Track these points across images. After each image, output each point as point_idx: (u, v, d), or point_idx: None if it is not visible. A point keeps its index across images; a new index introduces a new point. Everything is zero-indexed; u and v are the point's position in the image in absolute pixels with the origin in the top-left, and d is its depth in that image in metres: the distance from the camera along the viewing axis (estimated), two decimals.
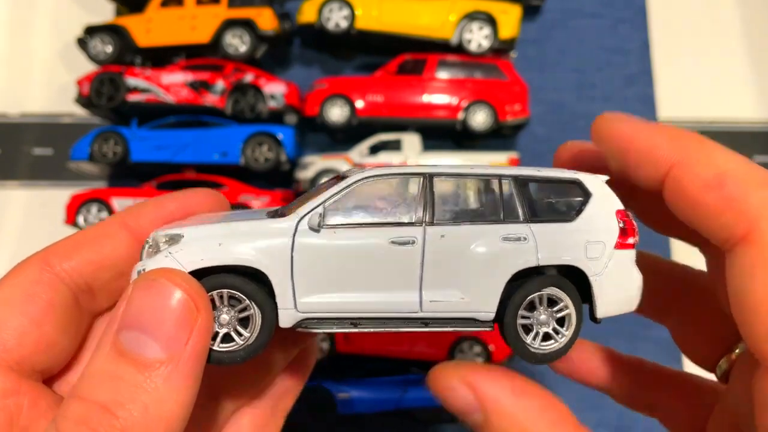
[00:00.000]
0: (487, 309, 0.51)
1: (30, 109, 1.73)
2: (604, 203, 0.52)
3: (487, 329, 0.52)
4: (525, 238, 0.50)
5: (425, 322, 0.51)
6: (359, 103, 1.58)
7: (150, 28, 1.62)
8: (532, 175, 0.53)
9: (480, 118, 1.57)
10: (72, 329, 0.53)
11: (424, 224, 0.51)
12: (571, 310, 0.52)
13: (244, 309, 0.50)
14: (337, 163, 1.54)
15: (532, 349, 0.52)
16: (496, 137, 1.61)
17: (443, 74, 1.60)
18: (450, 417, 1.38)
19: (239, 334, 0.50)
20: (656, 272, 0.59)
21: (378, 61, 1.65)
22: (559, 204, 0.53)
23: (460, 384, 0.47)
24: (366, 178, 0.53)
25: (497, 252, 0.50)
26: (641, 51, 1.70)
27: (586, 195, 0.52)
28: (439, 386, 0.49)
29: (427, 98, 1.58)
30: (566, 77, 1.69)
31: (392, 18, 1.60)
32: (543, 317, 0.52)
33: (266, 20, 1.60)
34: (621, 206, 0.53)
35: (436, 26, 1.60)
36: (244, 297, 0.50)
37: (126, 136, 1.57)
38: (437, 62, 1.60)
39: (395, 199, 0.53)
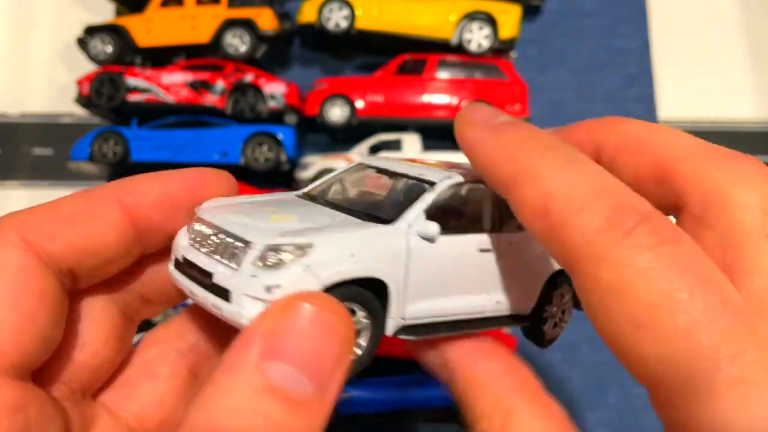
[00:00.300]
0: (531, 306, 0.56)
1: (30, 109, 1.73)
2: None
3: (528, 323, 0.56)
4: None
5: (492, 321, 0.53)
6: (359, 103, 1.58)
7: (150, 28, 1.62)
8: None
9: None
10: (61, 317, 0.46)
11: (496, 232, 0.53)
12: (569, 301, 0.59)
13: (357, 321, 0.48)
14: (337, 163, 1.55)
15: (547, 336, 0.58)
16: None
17: (443, 74, 1.60)
18: (450, 417, 1.38)
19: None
20: None
21: (378, 61, 1.65)
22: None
23: (430, 346, 0.49)
24: (456, 184, 0.52)
25: (537, 257, 0.55)
26: (641, 51, 1.70)
27: None
28: (416, 350, 0.51)
29: (428, 98, 1.58)
30: (566, 77, 1.69)
31: (392, 18, 1.60)
32: (555, 309, 0.58)
33: (266, 20, 1.60)
34: None
35: (436, 26, 1.60)
36: (363, 309, 0.47)
37: (126, 136, 1.57)
38: (437, 62, 1.60)
39: (474, 206, 0.53)
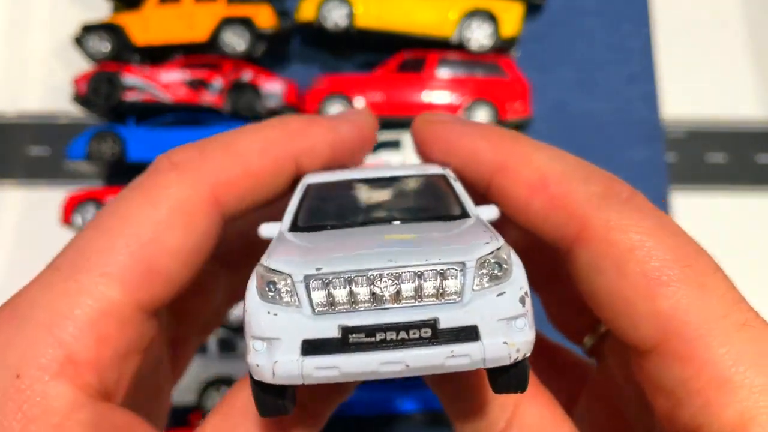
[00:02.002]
0: None
1: (26, 107, 1.72)
2: None
3: None
4: None
5: None
6: (358, 102, 1.56)
7: (147, 27, 1.61)
8: None
9: (481, 117, 1.55)
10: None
11: None
12: None
13: None
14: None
15: None
16: None
17: (444, 72, 1.58)
18: (447, 421, 1.36)
19: None
20: (528, 241, 0.57)
21: (377, 59, 1.64)
22: None
23: None
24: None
25: None
26: (644, 49, 1.69)
27: None
28: None
29: (428, 97, 1.56)
30: (568, 75, 1.68)
31: (392, 16, 1.59)
32: None
33: (265, 18, 1.58)
34: None
35: (437, 24, 1.58)
36: None
37: (123, 135, 1.56)
38: (437, 60, 1.58)
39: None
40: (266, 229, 0.47)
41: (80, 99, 1.57)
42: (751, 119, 1.72)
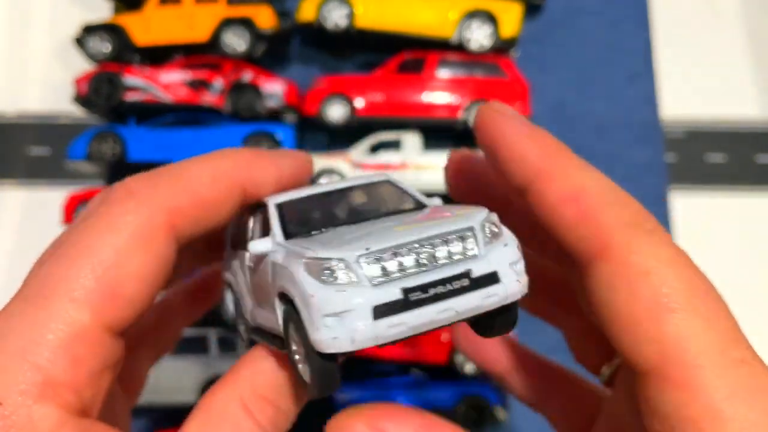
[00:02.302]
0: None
1: (27, 108, 1.72)
2: None
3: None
4: None
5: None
6: (359, 102, 1.56)
7: (148, 27, 1.61)
8: None
9: None
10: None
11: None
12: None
13: None
14: (337, 162, 1.53)
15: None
16: None
17: (443, 73, 1.58)
18: (448, 419, 1.37)
19: None
20: (549, 276, 0.62)
21: (377, 59, 1.64)
22: None
23: (366, 429, 0.45)
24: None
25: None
26: (643, 49, 1.69)
27: None
28: None
29: (428, 97, 1.57)
30: (568, 76, 1.68)
31: (392, 17, 1.59)
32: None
33: (265, 18, 1.59)
34: None
35: (436, 25, 1.59)
36: None
37: (124, 136, 1.56)
38: (437, 61, 1.59)
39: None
40: (259, 245, 0.51)
41: (81, 99, 1.57)
42: (750, 119, 1.72)
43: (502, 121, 0.51)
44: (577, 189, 0.46)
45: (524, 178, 0.49)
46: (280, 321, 0.48)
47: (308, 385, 0.46)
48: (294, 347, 0.46)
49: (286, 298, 0.46)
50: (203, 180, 0.52)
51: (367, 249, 0.43)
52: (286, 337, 0.47)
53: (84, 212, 0.51)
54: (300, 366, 0.47)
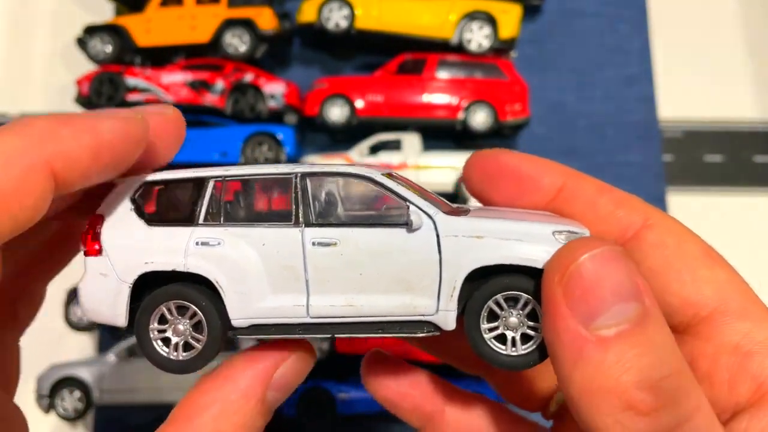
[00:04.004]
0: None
1: (30, 108, 1.73)
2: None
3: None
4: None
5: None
6: (359, 103, 1.57)
7: (149, 28, 1.62)
8: None
9: (480, 118, 1.56)
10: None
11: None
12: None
13: None
14: (337, 162, 1.54)
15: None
16: (496, 137, 1.61)
17: (443, 74, 1.59)
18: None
19: None
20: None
21: (378, 60, 1.65)
22: None
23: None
24: None
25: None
26: (642, 51, 1.70)
27: None
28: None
29: (427, 98, 1.58)
30: (566, 77, 1.69)
31: (392, 18, 1.60)
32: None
33: (266, 20, 1.59)
34: None
35: (436, 26, 1.60)
36: None
37: None
38: (437, 62, 1.60)
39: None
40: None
41: (83, 100, 1.58)
42: (748, 120, 1.73)
43: (508, 158, 0.56)
44: (603, 184, 0.54)
45: (552, 186, 0.55)
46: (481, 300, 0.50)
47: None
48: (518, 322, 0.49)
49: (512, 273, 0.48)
50: None
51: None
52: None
53: None
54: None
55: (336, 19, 1.59)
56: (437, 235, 0.49)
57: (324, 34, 1.60)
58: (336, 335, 0.50)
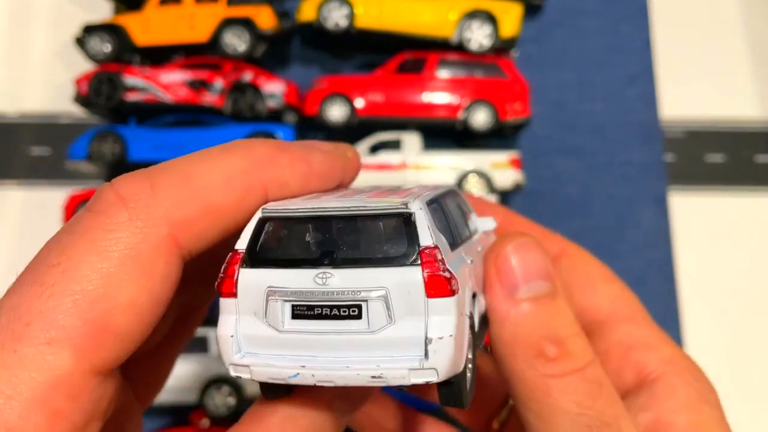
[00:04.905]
0: None
1: (28, 108, 1.73)
2: None
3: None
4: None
5: None
6: (359, 102, 1.57)
7: (148, 27, 1.61)
8: None
9: (481, 118, 1.56)
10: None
11: None
12: None
13: None
14: None
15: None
16: (497, 136, 1.60)
17: (443, 73, 1.59)
18: (449, 418, 1.37)
19: None
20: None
21: (378, 59, 1.64)
22: None
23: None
24: None
25: None
26: (643, 50, 1.69)
27: None
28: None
29: (428, 97, 1.57)
30: (567, 76, 1.68)
31: (392, 17, 1.59)
32: None
33: (265, 19, 1.59)
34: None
35: (437, 25, 1.59)
36: None
37: (124, 136, 1.56)
38: (437, 61, 1.59)
39: None
40: None
41: (81, 99, 1.57)
42: (750, 119, 1.73)
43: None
44: (564, 246, 0.67)
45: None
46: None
47: None
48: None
49: None
50: (214, 183, 0.43)
51: None
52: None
53: (68, 223, 0.41)
54: None
55: (336, 18, 1.58)
56: None
57: (324, 33, 1.59)
58: None
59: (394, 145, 1.56)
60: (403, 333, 0.40)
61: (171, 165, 0.43)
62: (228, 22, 1.59)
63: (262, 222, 0.43)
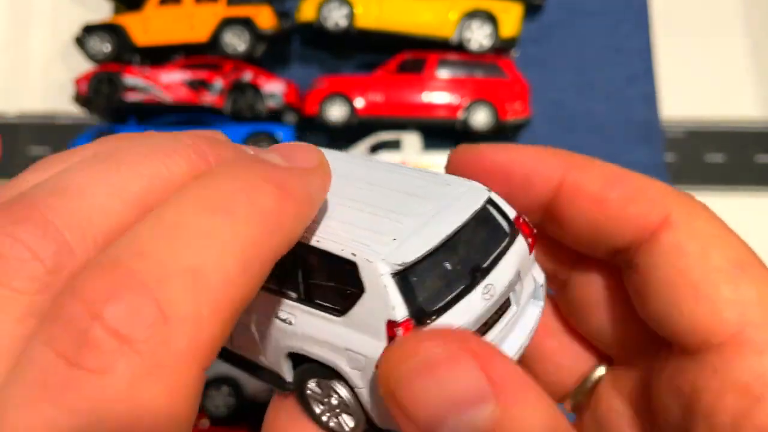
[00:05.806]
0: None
1: (27, 108, 1.73)
2: (375, 304, 0.36)
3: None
4: (290, 323, 0.40)
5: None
6: (359, 102, 1.57)
7: (148, 27, 1.61)
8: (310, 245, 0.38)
9: (481, 118, 1.56)
10: None
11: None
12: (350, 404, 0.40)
13: None
14: None
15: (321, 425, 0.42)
16: (497, 136, 1.60)
17: (443, 73, 1.59)
18: None
19: None
20: None
21: (378, 59, 1.64)
22: (335, 289, 0.39)
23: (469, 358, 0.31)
24: None
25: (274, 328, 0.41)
26: (643, 50, 1.69)
27: (359, 288, 0.36)
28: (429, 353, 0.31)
29: (428, 97, 1.57)
30: (567, 76, 1.68)
31: (392, 17, 1.59)
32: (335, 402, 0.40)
33: (265, 19, 1.59)
34: (397, 317, 0.35)
35: (437, 25, 1.59)
36: None
37: None
38: (437, 61, 1.59)
39: None
40: None
41: (81, 99, 1.58)
42: (750, 119, 1.72)
43: (496, 153, 0.47)
44: (616, 173, 0.43)
45: (549, 183, 0.44)
46: None
47: None
48: None
49: None
50: (230, 272, 0.30)
51: None
52: None
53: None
54: None
55: (335, 17, 1.58)
56: None
57: (323, 33, 1.59)
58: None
59: (394, 145, 1.56)
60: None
61: (172, 255, 0.28)
62: (228, 22, 1.59)
63: (400, 277, 0.36)
